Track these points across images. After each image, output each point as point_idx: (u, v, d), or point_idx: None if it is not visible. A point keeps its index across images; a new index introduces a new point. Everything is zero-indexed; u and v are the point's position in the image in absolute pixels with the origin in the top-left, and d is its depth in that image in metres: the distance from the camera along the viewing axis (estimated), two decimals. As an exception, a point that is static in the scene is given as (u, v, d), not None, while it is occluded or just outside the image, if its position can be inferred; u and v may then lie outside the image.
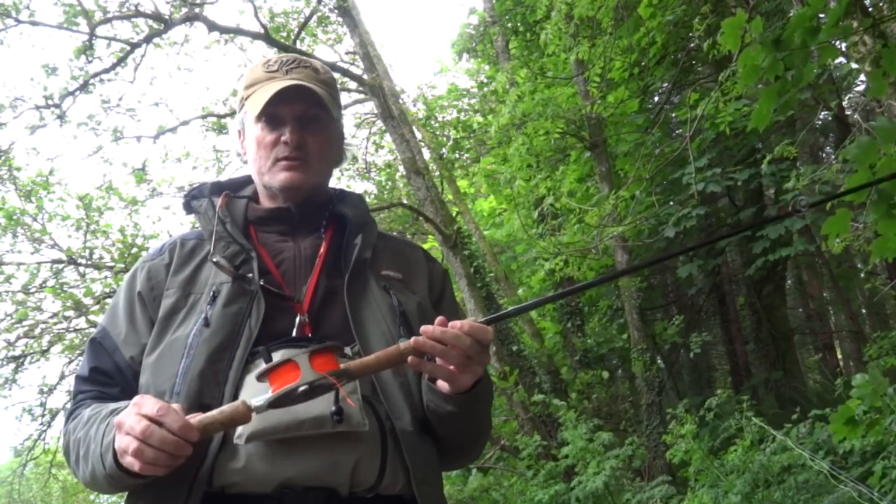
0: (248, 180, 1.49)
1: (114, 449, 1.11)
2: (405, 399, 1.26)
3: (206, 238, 1.36)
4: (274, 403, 1.07)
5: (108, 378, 1.29)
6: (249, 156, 1.42)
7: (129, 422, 1.07)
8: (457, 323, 1.13)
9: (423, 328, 1.13)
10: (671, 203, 7.22)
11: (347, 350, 1.24)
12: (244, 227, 1.39)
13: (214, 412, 1.08)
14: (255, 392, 1.11)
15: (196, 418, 1.08)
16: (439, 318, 1.15)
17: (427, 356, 1.15)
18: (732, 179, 7.01)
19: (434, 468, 1.29)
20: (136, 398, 1.11)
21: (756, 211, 7.54)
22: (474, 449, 1.43)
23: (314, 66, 1.42)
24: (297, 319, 1.26)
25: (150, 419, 1.05)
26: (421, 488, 1.21)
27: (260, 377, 1.09)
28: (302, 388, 1.06)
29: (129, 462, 1.08)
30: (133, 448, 1.06)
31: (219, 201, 1.39)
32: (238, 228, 1.37)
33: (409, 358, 1.13)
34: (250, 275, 1.29)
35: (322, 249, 1.37)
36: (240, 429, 1.14)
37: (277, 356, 1.14)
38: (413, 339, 1.12)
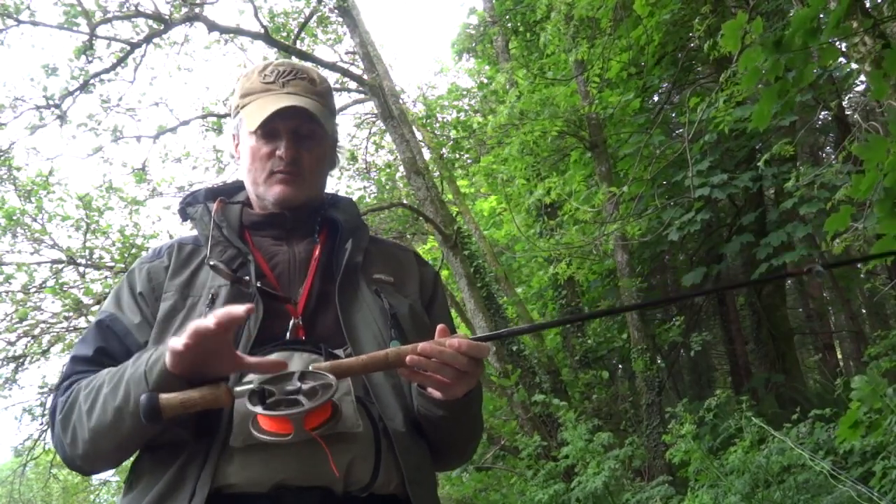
0: (241, 185, 1.49)
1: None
2: (397, 400, 1.27)
3: (203, 243, 1.37)
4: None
5: (115, 361, 1.24)
6: (243, 164, 1.43)
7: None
8: (454, 341, 1.14)
9: (420, 346, 1.13)
10: (672, 204, 7.20)
11: (339, 352, 1.25)
12: (239, 231, 1.40)
13: (194, 391, 1.07)
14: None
15: (177, 395, 1.07)
16: (440, 327, 1.17)
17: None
18: (736, 188, 7.01)
19: (427, 469, 1.30)
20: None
21: (757, 214, 7.53)
22: (467, 450, 1.44)
23: (310, 77, 1.43)
24: (292, 322, 1.28)
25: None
26: (413, 489, 1.22)
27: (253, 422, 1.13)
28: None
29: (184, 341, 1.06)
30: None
31: (214, 206, 1.41)
32: (234, 233, 1.38)
33: (402, 370, 1.14)
34: (247, 278, 1.30)
35: (316, 253, 1.38)
36: (235, 432, 1.16)
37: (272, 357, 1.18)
38: (409, 358, 1.13)
